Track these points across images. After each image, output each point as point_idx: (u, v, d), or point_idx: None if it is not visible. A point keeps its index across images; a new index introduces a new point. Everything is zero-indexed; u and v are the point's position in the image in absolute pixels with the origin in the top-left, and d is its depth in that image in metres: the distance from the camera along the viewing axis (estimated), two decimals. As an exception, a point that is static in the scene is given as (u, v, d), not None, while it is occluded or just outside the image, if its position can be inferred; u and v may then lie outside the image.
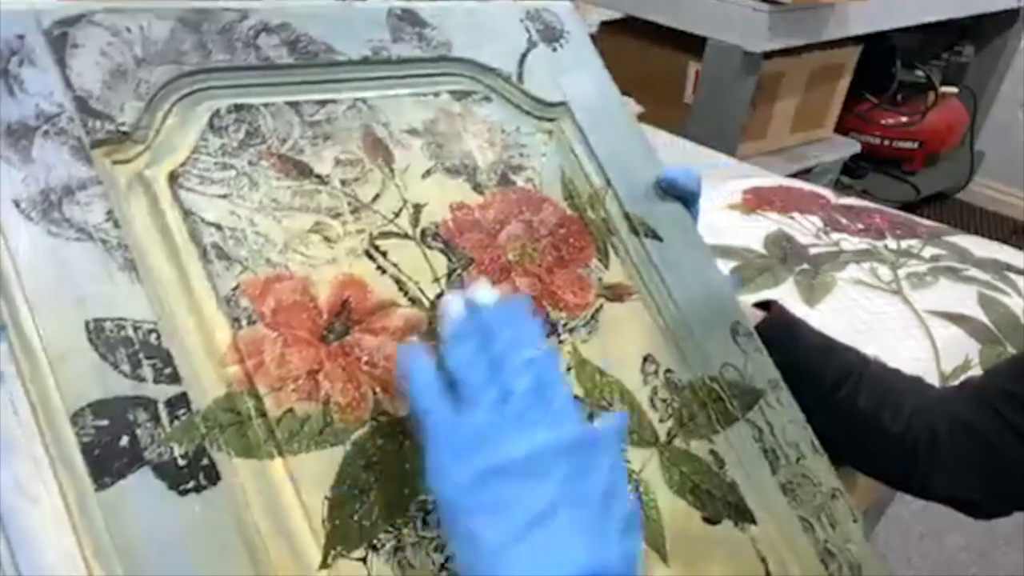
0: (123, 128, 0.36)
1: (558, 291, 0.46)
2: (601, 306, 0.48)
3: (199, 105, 0.39)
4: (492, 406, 0.34)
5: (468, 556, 0.32)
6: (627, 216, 0.51)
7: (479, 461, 0.32)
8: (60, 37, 0.36)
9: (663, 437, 0.46)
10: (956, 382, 0.62)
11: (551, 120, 0.52)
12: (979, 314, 0.78)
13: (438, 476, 0.33)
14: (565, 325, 0.46)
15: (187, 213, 0.37)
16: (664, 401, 0.47)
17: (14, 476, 0.31)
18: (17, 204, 0.33)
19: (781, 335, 0.56)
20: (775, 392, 0.52)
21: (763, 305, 0.60)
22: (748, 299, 0.61)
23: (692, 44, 1.65)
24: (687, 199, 0.55)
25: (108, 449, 0.32)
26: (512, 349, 0.35)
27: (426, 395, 0.34)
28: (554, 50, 0.53)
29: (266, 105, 0.41)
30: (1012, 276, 0.84)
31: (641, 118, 0.57)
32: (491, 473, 0.32)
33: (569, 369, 0.45)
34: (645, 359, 0.48)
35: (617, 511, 0.33)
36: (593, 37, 0.57)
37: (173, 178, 0.37)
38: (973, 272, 0.84)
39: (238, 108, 0.40)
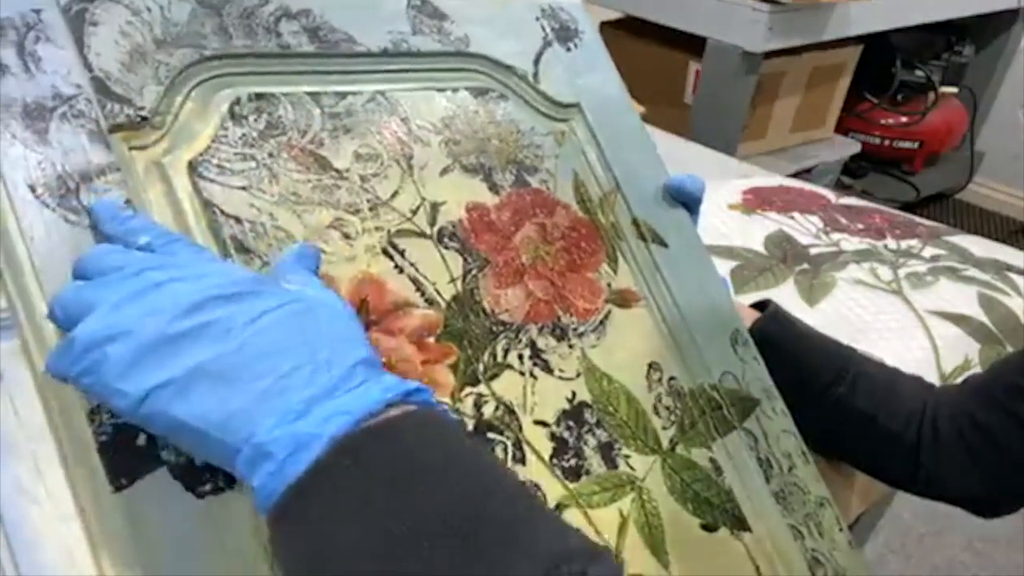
0: (142, 112, 0.35)
1: (569, 295, 0.46)
2: (610, 312, 0.48)
3: (218, 92, 0.38)
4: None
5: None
6: (635, 221, 0.51)
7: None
8: (78, 14, 0.35)
9: (666, 444, 0.47)
10: (956, 382, 0.61)
11: (564, 121, 0.51)
12: (979, 314, 0.77)
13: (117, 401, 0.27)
14: (575, 330, 0.46)
15: (206, 204, 0.36)
16: (667, 408, 0.48)
17: (14, 477, 0.30)
18: (33, 189, 0.32)
19: (777, 334, 0.56)
20: (770, 402, 0.53)
21: (758, 305, 0.60)
22: (746, 299, 0.61)
23: (692, 44, 1.63)
24: (690, 205, 0.55)
25: (125, 449, 0.31)
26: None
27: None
28: (568, 50, 0.53)
29: (286, 94, 0.40)
30: (1012, 276, 0.84)
31: (641, 118, 0.57)
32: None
33: (578, 375, 0.45)
34: (650, 366, 0.48)
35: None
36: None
37: (192, 167, 0.36)
38: (973, 272, 0.84)
39: (259, 97, 0.39)
